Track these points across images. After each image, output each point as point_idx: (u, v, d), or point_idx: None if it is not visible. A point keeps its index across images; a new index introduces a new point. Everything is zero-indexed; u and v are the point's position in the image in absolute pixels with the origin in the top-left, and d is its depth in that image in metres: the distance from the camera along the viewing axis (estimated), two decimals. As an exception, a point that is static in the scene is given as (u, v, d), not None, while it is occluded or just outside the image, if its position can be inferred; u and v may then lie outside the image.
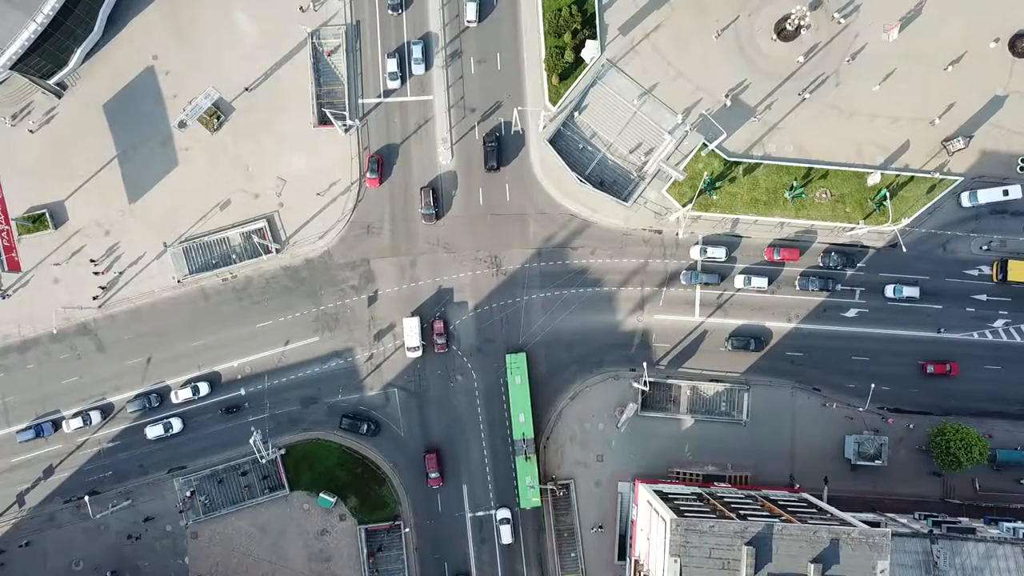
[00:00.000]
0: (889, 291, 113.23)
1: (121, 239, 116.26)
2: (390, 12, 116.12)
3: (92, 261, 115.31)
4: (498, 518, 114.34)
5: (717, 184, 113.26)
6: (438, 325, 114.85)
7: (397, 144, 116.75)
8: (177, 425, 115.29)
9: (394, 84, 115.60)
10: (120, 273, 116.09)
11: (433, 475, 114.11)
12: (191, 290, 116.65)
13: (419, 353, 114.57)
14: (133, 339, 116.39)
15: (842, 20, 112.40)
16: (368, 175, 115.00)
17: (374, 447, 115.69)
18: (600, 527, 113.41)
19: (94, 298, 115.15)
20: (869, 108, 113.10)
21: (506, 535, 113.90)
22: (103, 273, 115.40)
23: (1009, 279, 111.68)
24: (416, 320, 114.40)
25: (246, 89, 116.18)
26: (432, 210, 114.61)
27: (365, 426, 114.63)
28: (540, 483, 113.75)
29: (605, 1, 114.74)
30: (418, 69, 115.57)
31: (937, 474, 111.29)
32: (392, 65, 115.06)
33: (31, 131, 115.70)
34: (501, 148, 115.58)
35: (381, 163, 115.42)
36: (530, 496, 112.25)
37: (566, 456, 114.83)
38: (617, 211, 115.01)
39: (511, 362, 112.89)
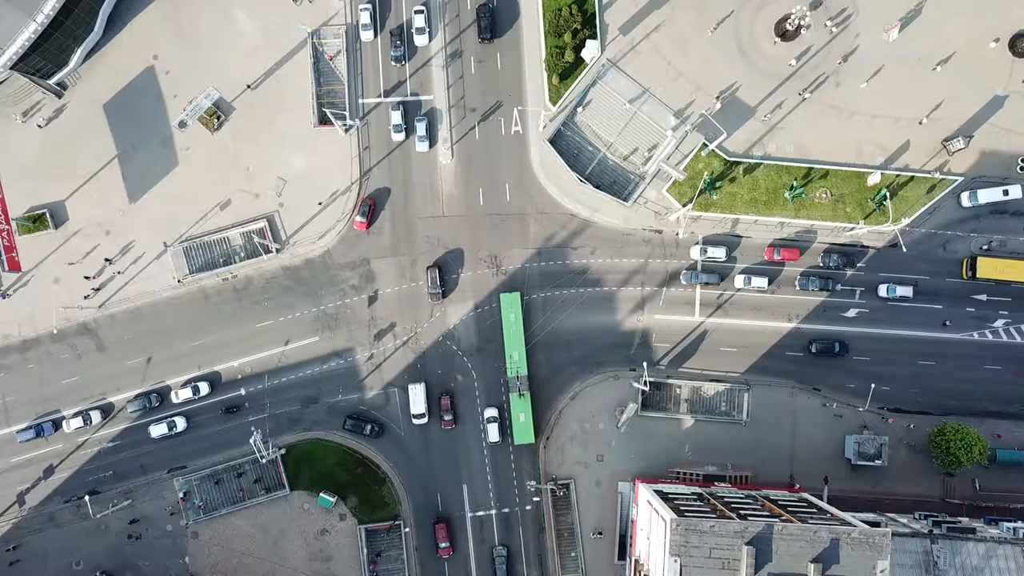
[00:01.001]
0: (883, 291, 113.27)
1: (121, 239, 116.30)
2: (393, 63, 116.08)
3: (107, 260, 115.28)
4: (486, 417, 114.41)
5: (717, 184, 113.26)
6: (445, 401, 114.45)
7: (396, 145, 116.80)
8: (181, 424, 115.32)
9: (399, 136, 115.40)
10: (120, 272, 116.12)
11: (443, 545, 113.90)
12: (191, 290, 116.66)
13: (424, 421, 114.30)
14: (133, 339, 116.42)
15: (834, 28, 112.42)
16: (357, 217, 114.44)
17: (374, 447, 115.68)
18: (599, 533, 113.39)
19: (85, 297, 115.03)
20: (869, 108, 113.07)
21: (493, 434, 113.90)
22: (94, 277, 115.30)
23: (978, 276, 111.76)
24: (421, 387, 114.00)
25: (248, 86, 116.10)
26: (439, 288, 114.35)
27: (369, 427, 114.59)
28: (539, 482, 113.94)
29: (605, 1, 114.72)
30: (422, 146, 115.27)
31: (950, 474, 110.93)
32: (397, 117, 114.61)
33: (39, 126, 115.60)
34: (495, 18, 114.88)
35: (373, 208, 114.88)
36: (523, 432, 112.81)
37: (566, 456, 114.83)
38: (617, 211, 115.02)
39: (506, 301, 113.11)
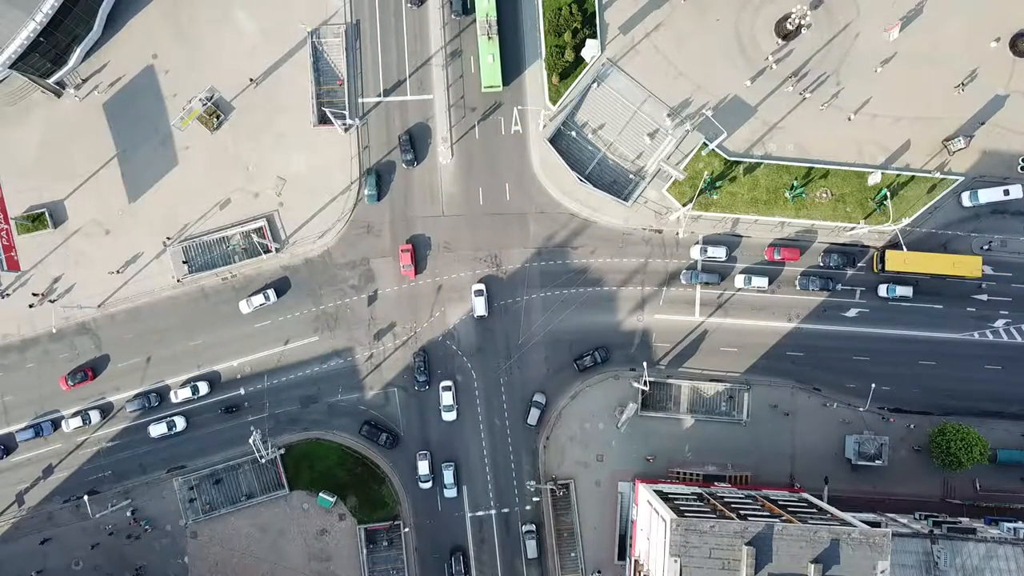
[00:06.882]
0: (882, 290, 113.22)
1: (121, 238, 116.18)
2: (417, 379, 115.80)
3: (39, 294, 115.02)
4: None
5: (717, 184, 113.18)
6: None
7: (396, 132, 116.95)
8: (180, 423, 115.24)
9: (426, 485, 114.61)
10: (118, 272, 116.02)
11: (424, 475, 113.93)
12: (191, 289, 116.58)
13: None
14: (133, 339, 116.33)
15: (775, 65, 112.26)
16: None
17: (374, 447, 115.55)
18: (598, 572, 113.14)
19: (30, 306, 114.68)
20: (869, 108, 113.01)
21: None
22: (42, 295, 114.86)
23: (887, 269, 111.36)
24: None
25: (251, 80, 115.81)
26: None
27: (384, 436, 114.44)
28: (540, 482, 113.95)
29: (605, 0, 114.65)
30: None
31: None
32: (424, 468, 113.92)
33: (99, 92, 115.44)
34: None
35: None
36: (491, 73, 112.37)
37: (566, 456, 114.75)
38: (617, 211, 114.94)
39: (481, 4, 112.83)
